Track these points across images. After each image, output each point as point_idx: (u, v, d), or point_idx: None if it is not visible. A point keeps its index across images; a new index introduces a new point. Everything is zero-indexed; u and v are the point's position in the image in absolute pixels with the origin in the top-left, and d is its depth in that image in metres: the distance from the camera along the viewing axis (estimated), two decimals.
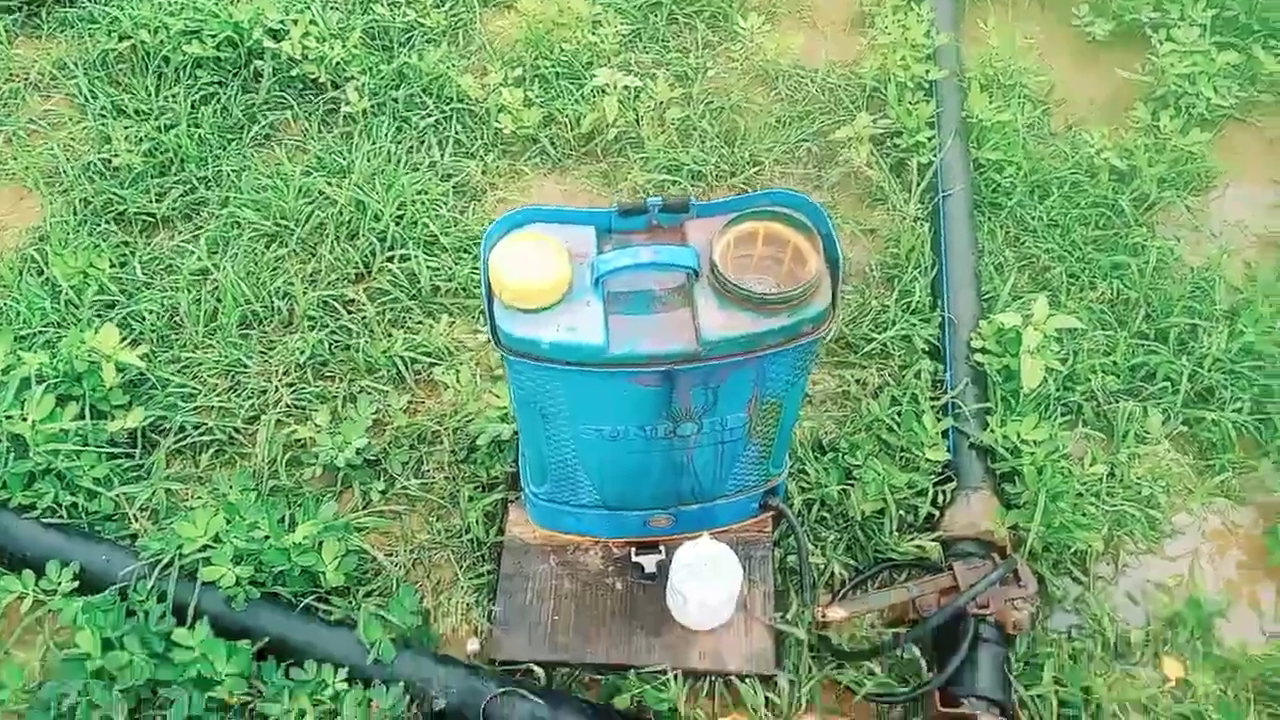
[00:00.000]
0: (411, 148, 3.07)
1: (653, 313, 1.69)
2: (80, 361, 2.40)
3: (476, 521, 2.24)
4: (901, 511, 2.28)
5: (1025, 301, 2.62)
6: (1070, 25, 3.44)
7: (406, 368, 2.54)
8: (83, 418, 2.37)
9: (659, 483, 1.97)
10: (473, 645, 2.09)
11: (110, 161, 2.98)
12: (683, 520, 2.10)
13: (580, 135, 3.09)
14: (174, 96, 3.16)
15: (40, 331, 2.57)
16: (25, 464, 2.27)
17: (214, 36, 3.22)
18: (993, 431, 2.34)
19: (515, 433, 2.28)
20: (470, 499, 2.29)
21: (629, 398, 1.73)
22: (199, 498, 2.29)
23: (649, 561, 2.10)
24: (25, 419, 2.29)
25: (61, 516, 2.25)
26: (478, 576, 2.20)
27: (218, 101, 3.18)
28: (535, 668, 2.05)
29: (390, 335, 2.60)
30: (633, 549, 2.13)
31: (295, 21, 3.22)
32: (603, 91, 3.05)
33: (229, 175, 2.99)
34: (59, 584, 2.13)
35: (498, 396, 2.38)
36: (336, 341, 2.61)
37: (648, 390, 1.72)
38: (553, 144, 3.09)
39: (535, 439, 1.90)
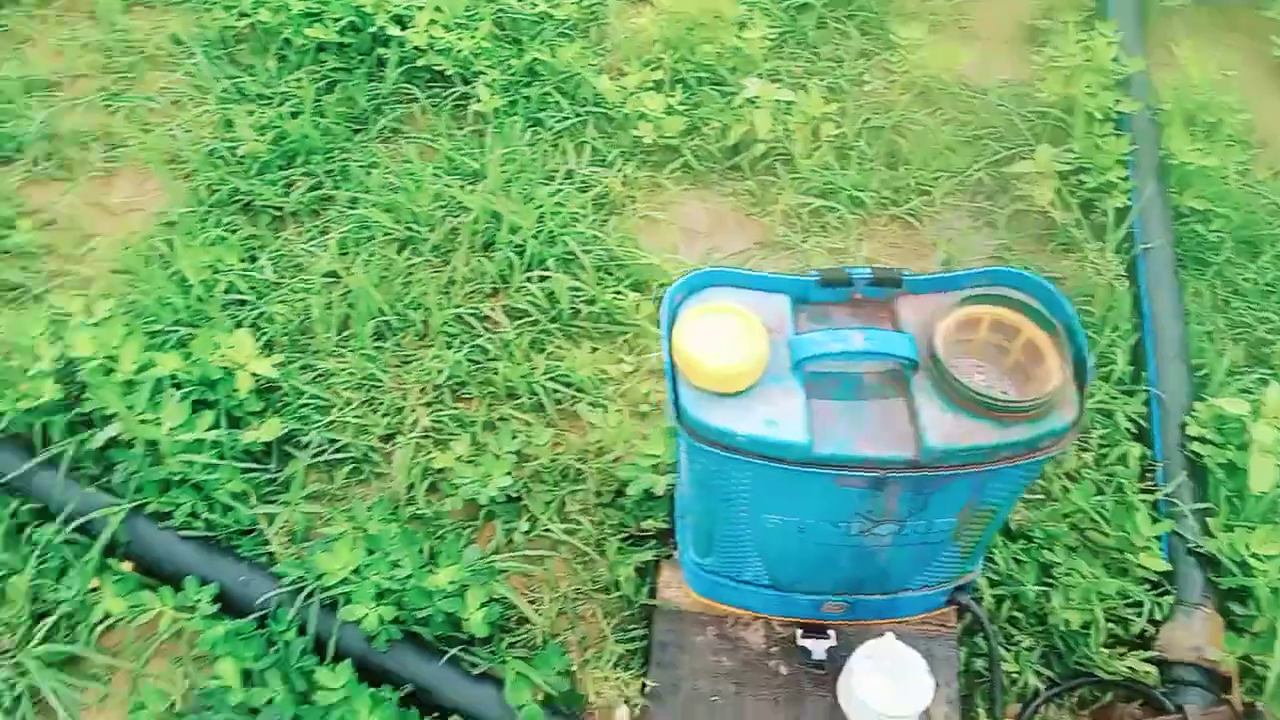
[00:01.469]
0: (546, 151, 2.92)
1: (861, 402, 1.55)
2: (214, 368, 2.31)
3: (626, 579, 2.12)
4: (1110, 623, 2.05)
5: (1244, 381, 2.38)
6: (1269, 55, 3.11)
7: (547, 397, 2.42)
8: (217, 426, 2.29)
9: (842, 572, 1.83)
10: (621, 714, 1.99)
11: (235, 150, 2.86)
12: (859, 608, 1.93)
13: (725, 148, 2.92)
14: (297, 82, 3.02)
15: (170, 330, 2.47)
16: (160, 470, 2.21)
17: (336, 20, 3.07)
18: (1215, 539, 2.10)
19: (670, 486, 2.15)
20: (619, 551, 2.17)
21: (827, 496, 1.59)
22: (337, 522, 2.19)
23: (818, 647, 1.93)
24: (159, 424, 2.21)
25: (199, 529, 2.18)
26: (629, 640, 2.08)
27: (343, 89, 3.04)
28: None
29: (530, 359, 2.48)
30: (799, 630, 1.97)
31: (420, 8, 3.06)
32: (753, 103, 2.87)
33: (356, 171, 2.86)
34: (198, 602, 2.08)
35: (646, 440, 2.25)
36: (474, 362, 2.49)
37: (850, 490, 1.57)
38: (695, 156, 2.92)
39: (708, 517, 1.77)
